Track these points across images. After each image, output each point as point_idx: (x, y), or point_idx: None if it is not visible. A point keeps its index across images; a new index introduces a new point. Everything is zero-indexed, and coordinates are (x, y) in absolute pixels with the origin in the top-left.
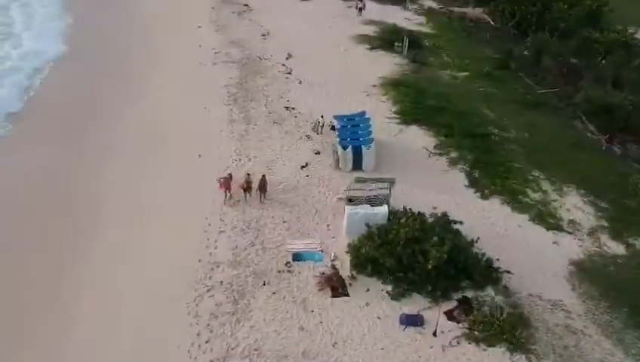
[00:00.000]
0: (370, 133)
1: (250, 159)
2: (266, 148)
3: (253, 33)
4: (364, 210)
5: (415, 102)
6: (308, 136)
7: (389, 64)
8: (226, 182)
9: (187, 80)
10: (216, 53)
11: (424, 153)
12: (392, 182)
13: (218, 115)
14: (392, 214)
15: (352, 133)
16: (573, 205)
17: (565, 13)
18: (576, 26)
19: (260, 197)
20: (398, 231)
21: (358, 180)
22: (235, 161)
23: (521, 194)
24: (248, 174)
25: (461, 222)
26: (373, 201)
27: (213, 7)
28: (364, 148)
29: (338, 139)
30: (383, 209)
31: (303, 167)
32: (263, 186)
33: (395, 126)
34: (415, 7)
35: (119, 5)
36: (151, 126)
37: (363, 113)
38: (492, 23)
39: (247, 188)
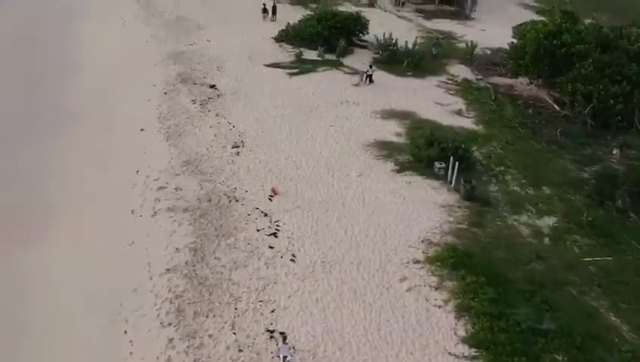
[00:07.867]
0: None
1: None
2: None
3: (221, 141)
4: None
5: (497, 314)
6: None
7: (432, 205)
8: None
9: (103, 256)
10: (160, 188)
11: None
12: None
13: (145, 356)
14: None
15: None
16: None
17: None
18: None
19: None
20: None
21: None
22: None
23: None
24: None
25: None
26: None
27: (165, 93)
28: None
29: None
30: None
31: None
32: None
33: None
34: (445, 80)
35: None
36: None
37: None
38: (556, 107)
39: None
